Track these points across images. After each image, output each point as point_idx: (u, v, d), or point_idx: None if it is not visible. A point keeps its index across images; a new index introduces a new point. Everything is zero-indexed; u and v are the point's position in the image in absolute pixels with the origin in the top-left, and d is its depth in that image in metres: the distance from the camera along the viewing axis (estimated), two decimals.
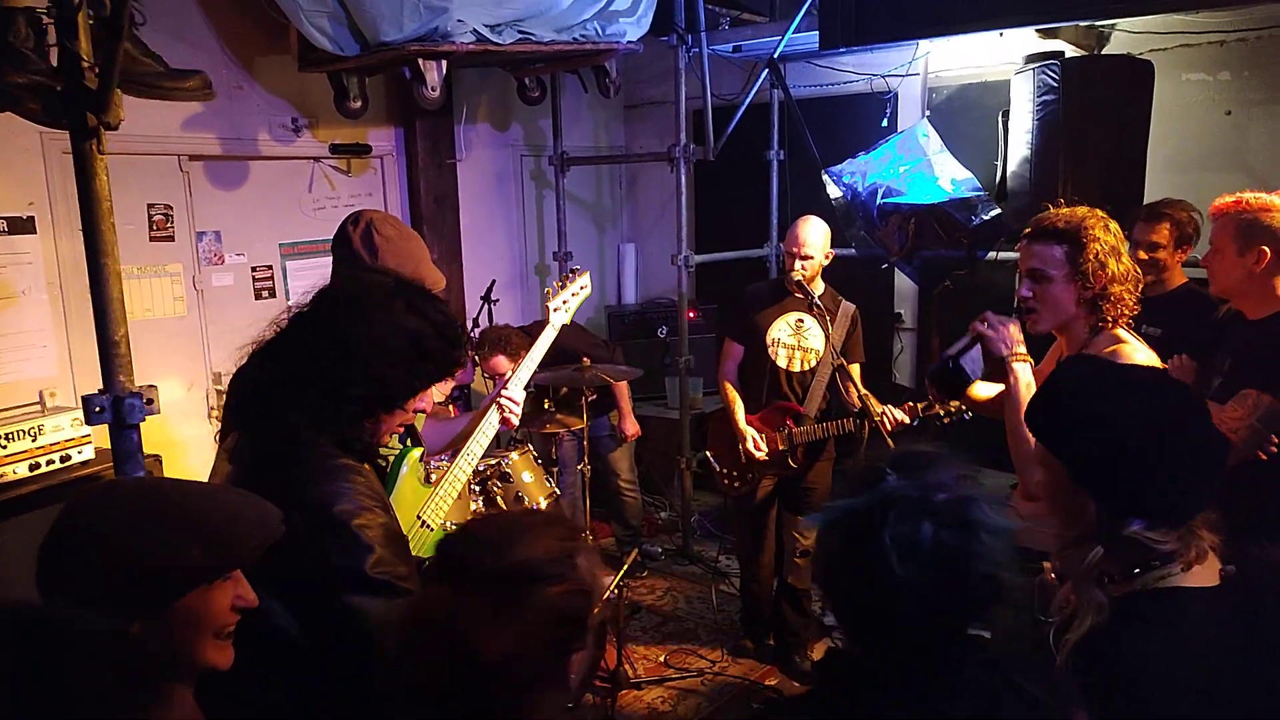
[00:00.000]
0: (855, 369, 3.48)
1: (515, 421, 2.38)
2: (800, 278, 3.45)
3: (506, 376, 2.49)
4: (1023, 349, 2.13)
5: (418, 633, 1.09)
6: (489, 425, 2.33)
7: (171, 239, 4.20)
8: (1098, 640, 1.25)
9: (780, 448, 3.55)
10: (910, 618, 1.00)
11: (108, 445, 2.03)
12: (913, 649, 1.03)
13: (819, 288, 3.56)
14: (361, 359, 1.48)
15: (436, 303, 1.60)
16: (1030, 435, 1.43)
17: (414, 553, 1.94)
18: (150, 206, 4.12)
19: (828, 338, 3.44)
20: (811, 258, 3.47)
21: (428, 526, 2.15)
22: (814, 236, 3.49)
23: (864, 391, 3.18)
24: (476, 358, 4.28)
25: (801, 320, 3.58)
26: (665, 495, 5.60)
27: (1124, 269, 2.09)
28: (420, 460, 2.14)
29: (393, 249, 2.18)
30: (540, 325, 2.56)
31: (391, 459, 2.06)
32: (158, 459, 3.50)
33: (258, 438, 1.50)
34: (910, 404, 3.32)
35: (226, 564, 1.19)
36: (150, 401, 1.91)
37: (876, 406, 3.19)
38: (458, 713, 1.05)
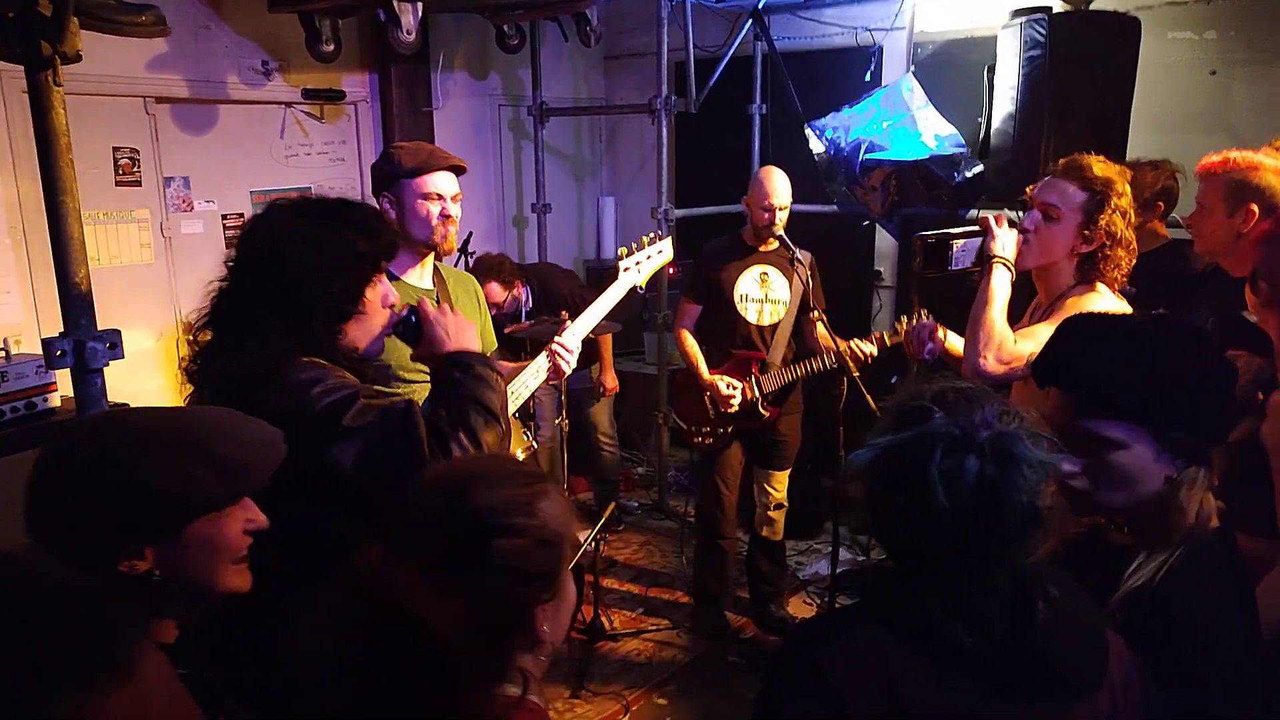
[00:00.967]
0: (815, 316, 3.47)
1: (567, 369, 2.37)
2: (780, 231, 3.43)
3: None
4: (1011, 258, 2.14)
5: (357, 609, 0.98)
6: (538, 368, 2.34)
7: (138, 184, 4.09)
8: (1161, 582, 1.26)
9: (750, 396, 3.54)
10: (953, 543, 1.06)
11: (72, 393, 1.98)
12: (954, 569, 1.09)
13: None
14: (299, 283, 1.55)
15: (345, 203, 1.67)
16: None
17: None
18: (116, 150, 4.00)
19: (805, 287, 3.45)
20: (786, 208, 3.47)
21: None
22: (785, 187, 3.48)
23: (829, 333, 3.18)
24: None
25: (766, 273, 3.57)
26: (642, 451, 5.60)
27: (1129, 236, 2.09)
28: None
29: (394, 154, 2.28)
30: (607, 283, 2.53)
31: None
32: (125, 407, 3.43)
33: (231, 374, 1.53)
34: (878, 333, 3.32)
35: (239, 490, 1.18)
36: (114, 346, 1.86)
37: (843, 345, 3.20)
38: (415, 695, 0.95)
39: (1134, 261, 2.13)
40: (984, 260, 2.17)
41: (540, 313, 4.32)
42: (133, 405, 3.50)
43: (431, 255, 2.33)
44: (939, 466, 1.04)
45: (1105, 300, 2.11)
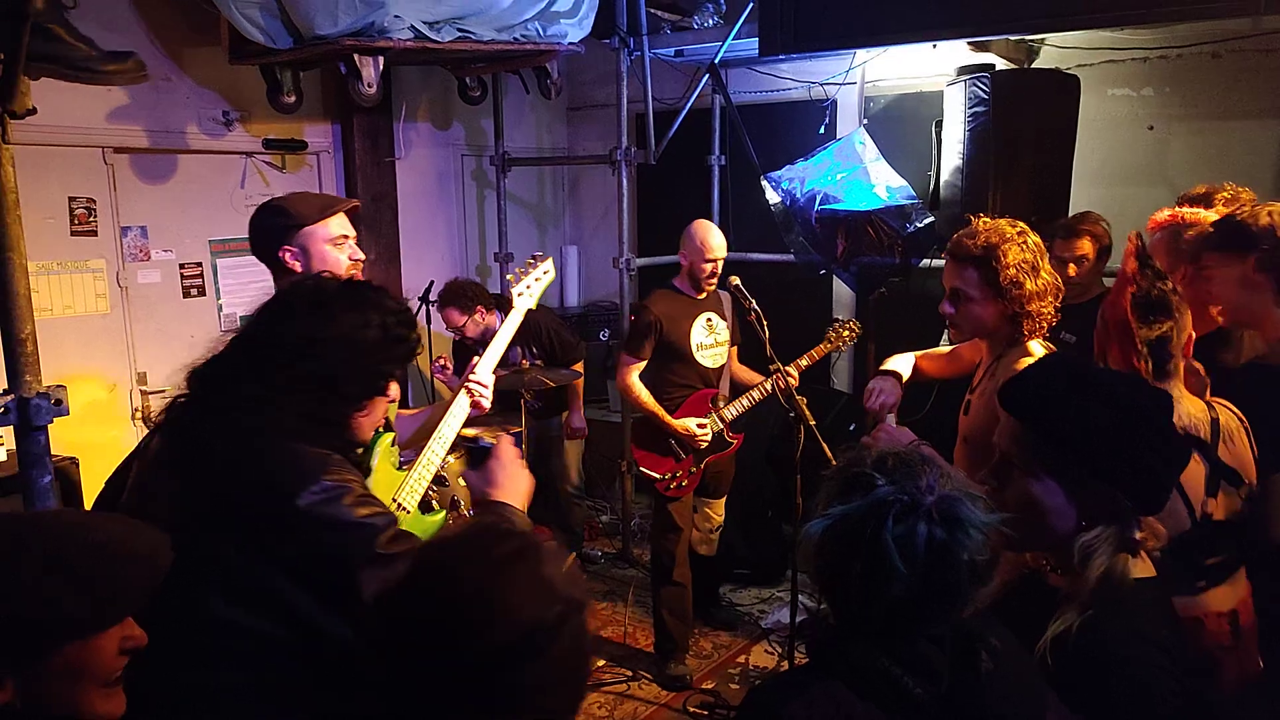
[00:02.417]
0: (734, 350, 3.85)
1: (486, 405, 2.36)
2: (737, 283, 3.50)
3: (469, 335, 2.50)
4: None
5: None
6: (459, 409, 2.31)
7: (95, 234, 4.06)
8: (1077, 631, 1.30)
9: (715, 428, 3.71)
10: (905, 604, 1.12)
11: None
12: (903, 626, 1.14)
13: None
14: (335, 357, 1.53)
15: (382, 291, 1.67)
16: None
17: None
18: (72, 199, 3.97)
19: (730, 323, 3.78)
20: (721, 260, 3.66)
21: (404, 509, 2.19)
22: (722, 239, 3.68)
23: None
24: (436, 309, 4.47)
25: (710, 319, 3.74)
26: (606, 499, 5.58)
27: (1041, 284, 2.13)
28: (392, 445, 2.17)
29: (290, 206, 2.20)
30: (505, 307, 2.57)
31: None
32: (74, 461, 3.37)
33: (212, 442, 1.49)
34: (810, 352, 3.65)
35: (113, 614, 1.05)
36: (59, 402, 1.84)
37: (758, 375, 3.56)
38: None
39: (1058, 303, 2.18)
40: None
41: (516, 342, 4.33)
42: (81, 459, 3.45)
43: None
44: (891, 533, 1.10)
45: (1040, 354, 2.17)
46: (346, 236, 2.21)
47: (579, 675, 1.06)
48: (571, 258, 6.11)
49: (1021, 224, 2.19)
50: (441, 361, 4.42)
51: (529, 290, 2.59)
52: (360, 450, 1.67)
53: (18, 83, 1.65)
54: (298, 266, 2.15)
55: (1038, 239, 2.19)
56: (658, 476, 3.73)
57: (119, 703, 1.09)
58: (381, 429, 2.16)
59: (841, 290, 5.09)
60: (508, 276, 2.59)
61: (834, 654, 1.17)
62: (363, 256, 2.26)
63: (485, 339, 4.40)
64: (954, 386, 2.58)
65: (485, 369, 2.36)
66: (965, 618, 1.16)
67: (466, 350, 4.51)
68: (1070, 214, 3.67)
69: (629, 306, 4.90)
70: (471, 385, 2.33)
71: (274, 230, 2.17)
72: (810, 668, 1.20)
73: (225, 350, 1.59)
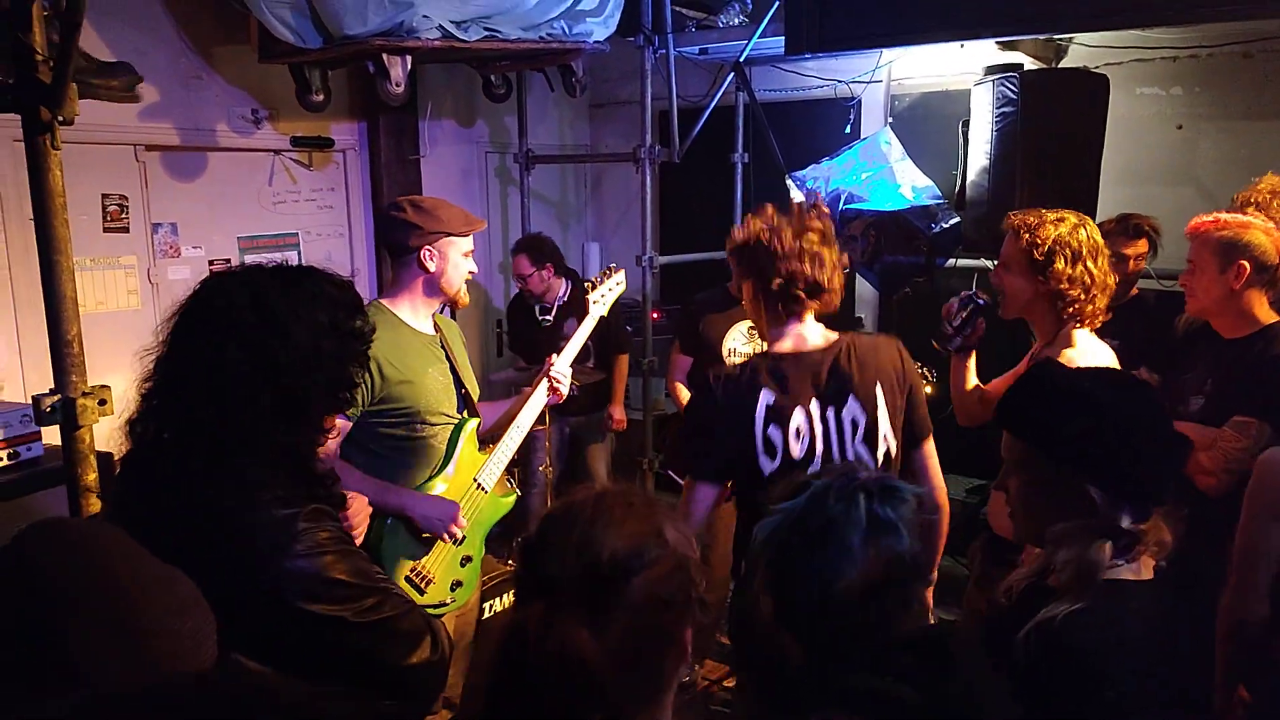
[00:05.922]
0: None
1: (565, 392, 2.64)
2: None
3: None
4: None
5: (518, 658, 1.02)
6: (538, 399, 2.60)
7: (126, 230, 4.11)
8: (1042, 627, 1.32)
9: None
10: (859, 592, 1.14)
11: (58, 442, 1.99)
12: (864, 636, 1.16)
13: None
14: (297, 368, 1.35)
15: (316, 273, 1.48)
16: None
17: (469, 510, 2.41)
18: (105, 197, 4.03)
19: None
20: None
21: (482, 489, 2.49)
22: None
23: None
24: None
25: (754, 330, 3.61)
26: None
27: (1078, 271, 2.17)
28: (476, 430, 2.48)
29: (440, 212, 2.42)
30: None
31: (450, 428, 2.41)
32: (110, 456, 3.42)
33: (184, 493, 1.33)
34: None
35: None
36: (104, 402, 1.88)
37: None
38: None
39: (1105, 299, 2.23)
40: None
41: (570, 313, 4.51)
42: (115, 454, 3.50)
43: (438, 305, 2.51)
44: (834, 510, 1.17)
45: (1083, 345, 2.22)
46: (470, 254, 2.48)
47: (664, 623, 1.08)
48: (594, 255, 6.12)
49: (1085, 217, 2.27)
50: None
51: (603, 299, 2.87)
52: (335, 483, 1.49)
53: (67, 89, 1.69)
54: (431, 267, 2.39)
55: (1095, 233, 2.24)
56: (680, 481, 3.74)
57: None
58: (468, 414, 2.47)
59: (865, 289, 5.08)
60: (584, 283, 2.90)
61: (818, 684, 1.16)
62: (476, 269, 2.51)
63: (544, 298, 4.61)
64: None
65: (564, 361, 2.65)
66: (933, 627, 1.21)
67: (524, 309, 4.70)
68: (1099, 215, 3.65)
69: (650, 304, 4.92)
70: (552, 374, 2.61)
71: (421, 229, 2.37)
72: (800, 701, 1.19)
73: (167, 385, 1.41)
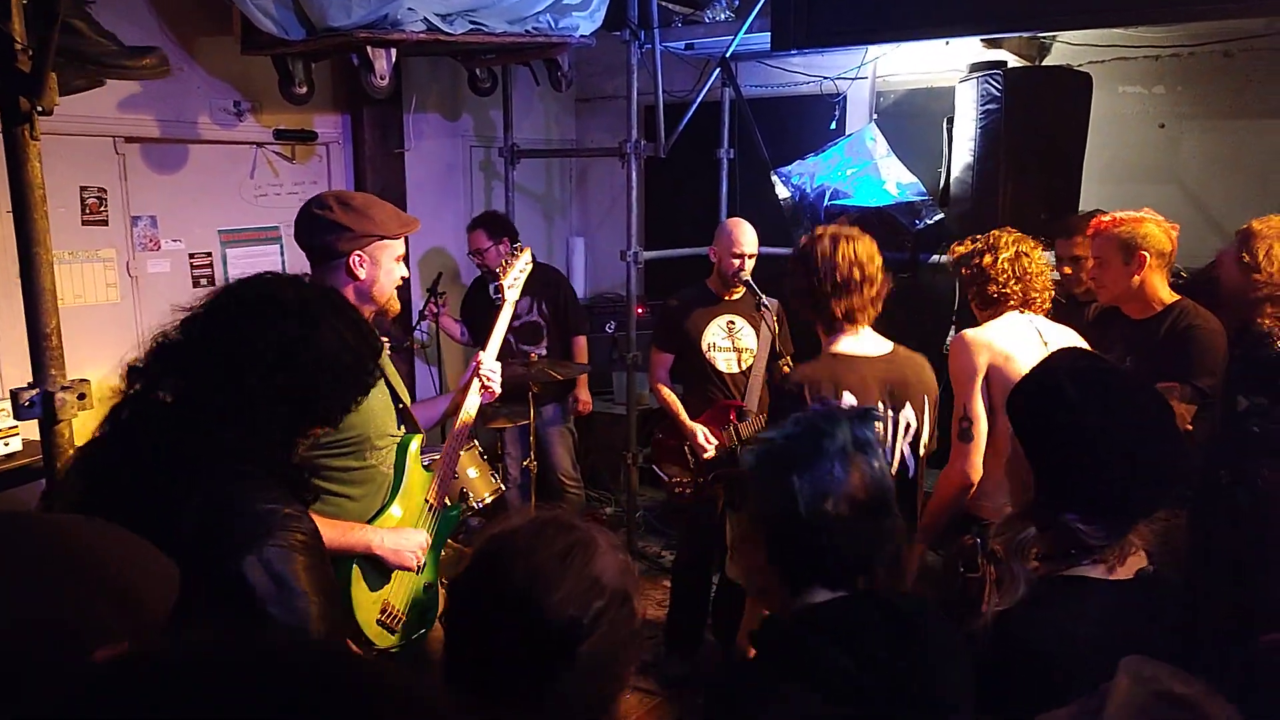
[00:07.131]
0: (785, 361, 3.68)
1: (497, 390, 2.50)
2: (749, 278, 3.51)
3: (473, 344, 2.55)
4: None
5: None
6: (471, 400, 2.45)
7: (105, 223, 4.06)
8: (998, 620, 1.35)
9: (728, 444, 3.57)
10: (844, 521, 1.23)
11: (36, 436, 1.97)
12: (843, 608, 1.23)
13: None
14: (309, 371, 1.39)
15: (357, 313, 1.56)
16: None
17: (428, 531, 2.24)
18: (83, 189, 3.98)
19: (772, 335, 3.55)
20: (754, 256, 3.57)
21: (432, 508, 2.33)
22: (753, 236, 3.59)
23: None
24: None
25: (733, 322, 3.65)
26: (611, 491, 5.60)
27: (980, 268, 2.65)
28: (420, 446, 2.31)
29: (373, 213, 2.17)
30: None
31: (394, 450, 2.24)
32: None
33: (161, 464, 1.34)
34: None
35: (140, 626, 0.94)
36: (83, 396, 1.86)
37: None
38: None
39: (1018, 289, 2.60)
40: None
41: (527, 291, 4.40)
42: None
43: (368, 316, 2.22)
44: (824, 428, 1.27)
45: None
46: (404, 254, 2.25)
47: (613, 671, 1.08)
48: (578, 250, 6.11)
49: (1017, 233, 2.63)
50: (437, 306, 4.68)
51: (516, 283, 2.72)
52: (308, 475, 1.52)
53: (46, 79, 1.66)
54: (361, 274, 2.13)
55: (1016, 239, 2.66)
56: (664, 477, 3.74)
57: None
58: (406, 430, 2.28)
59: None
60: (495, 269, 2.73)
61: (786, 651, 1.21)
62: (408, 273, 2.31)
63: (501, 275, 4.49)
64: None
65: (490, 356, 2.50)
66: (902, 597, 1.25)
67: (481, 290, 4.59)
68: (1079, 211, 3.67)
69: (635, 299, 4.92)
70: (482, 373, 2.46)
71: (352, 231, 2.12)
72: (768, 666, 1.23)
73: (187, 345, 1.44)
